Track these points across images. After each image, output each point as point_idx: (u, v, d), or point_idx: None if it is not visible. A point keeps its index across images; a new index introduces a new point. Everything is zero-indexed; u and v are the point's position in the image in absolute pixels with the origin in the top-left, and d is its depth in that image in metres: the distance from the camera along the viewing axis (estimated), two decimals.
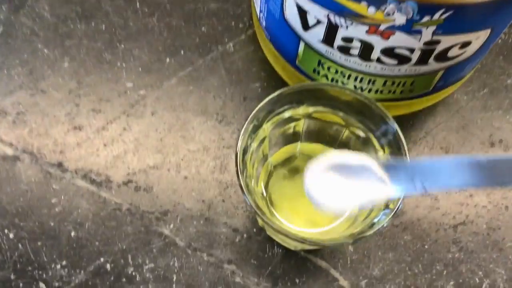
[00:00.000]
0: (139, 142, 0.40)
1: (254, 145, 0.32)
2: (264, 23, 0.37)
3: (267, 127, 0.32)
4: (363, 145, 0.33)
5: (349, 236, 0.29)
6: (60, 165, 0.39)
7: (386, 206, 0.30)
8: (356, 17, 0.28)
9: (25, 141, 0.39)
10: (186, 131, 0.40)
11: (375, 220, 0.29)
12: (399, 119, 0.32)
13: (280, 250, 0.37)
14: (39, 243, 0.37)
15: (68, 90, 0.41)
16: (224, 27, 0.43)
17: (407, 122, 0.41)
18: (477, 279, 0.37)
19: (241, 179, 0.29)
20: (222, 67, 0.42)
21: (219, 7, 0.44)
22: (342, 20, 0.29)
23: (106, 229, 0.37)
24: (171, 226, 0.38)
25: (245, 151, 0.31)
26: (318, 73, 0.35)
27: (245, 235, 0.38)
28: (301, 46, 0.34)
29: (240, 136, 0.30)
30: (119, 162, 0.39)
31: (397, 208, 0.29)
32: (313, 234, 0.33)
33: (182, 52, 0.43)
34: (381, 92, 0.35)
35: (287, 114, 0.33)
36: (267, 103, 0.31)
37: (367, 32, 0.29)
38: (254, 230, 0.38)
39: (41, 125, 0.40)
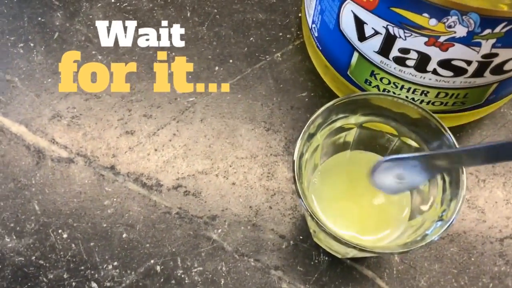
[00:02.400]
0: (188, 148, 0.40)
1: (308, 153, 0.32)
2: (316, 34, 0.37)
3: (321, 135, 0.33)
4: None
5: (402, 246, 0.29)
6: (112, 168, 0.40)
7: (440, 218, 0.30)
8: (416, 28, 0.29)
9: (79, 144, 0.40)
10: (234, 138, 0.41)
11: (428, 232, 0.29)
12: None
13: (326, 258, 0.38)
14: (91, 244, 0.37)
15: (121, 95, 0.42)
16: (272, 37, 0.44)
17: (454, 134, 0.41)
18: None
19: (298, 185, 0.30)
20: (270, 76, 0.43)
21: (267, 18, 0.45)
22: (401, 31, 0.29)
23: (156, 232, 0.38)
24: (219, 230, 0.38)
25: (300, 158, 0.31)
26: (370, 83, 0.35)
27: (291, 242, 0.38)
28: (355, 56, 0.34)
29: (298, 142, 0.30)
30: (169, 166, 0.40)
31: (452, 220, 0.29)
32: (363, 242, 0.34)
33: (231, 61, 0.43)
34: (433, 103, 0.35)
35: (338, 124, 0.33)
36: (324, 112, 0.31)
37: (425, 43, 0.29)
38: (301, 237, 0.38)
39: (94, 129, 0.41)
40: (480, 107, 0.36)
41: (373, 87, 0.36)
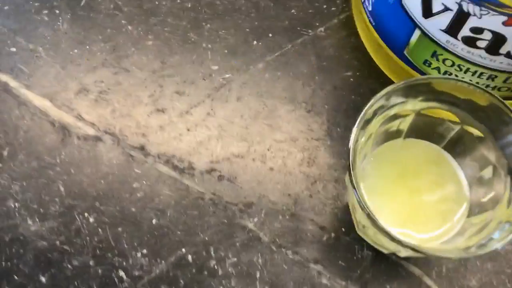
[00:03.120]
0: (223, 129, 0.38)
1: (362, 141, 0.29)
2: (370, 8, 0.34)
3: (376, 122, 0.30)
4: (479, 145, 0.30)
5: (465, 250, 0.26)
6: (142, 148, 0.37)
7: (508, 220, 0.27)
8: (496, 6, 0.25)
9: (107, 121, 0.37)
10: (272, 119, 0.38)
11: (494, 236, 0.26)
12: None
13: (370, 253, 0.35)
14: (119, 229, 0.35)
15: (152, 70, 0.39)
16: (315, 10, 0.41)
17: None
18: None
19: (352, 175, 0.27)
20: (312, 53, 0.40)
21: None
22: (477, 9, 0.26)
23: (188, 219, 0.35)
24: (255, 219, 0.35)
25: (355, 146, 0.28)
26: (429, 65, 0.32)
27: (333, 234, 0.35)
28: (416, 34, 0.31)
29: (354, 129, 0.27)
30: (203, 148, 0.37)
31: None
32: (417, 240, 0.31)
33: (270, 35, 0.40)
34: (499, 89, 0.32)
35: (394, 110, 0.30)
36: (383, 96, 0.28)
37: (504, 23, 0.26)
38: (343, 229, 0.35)
39: (124, 105, 0.38)
40: None
41: (432, 69, 0.32)
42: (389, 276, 0.34)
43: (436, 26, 0.29)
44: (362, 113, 0.27)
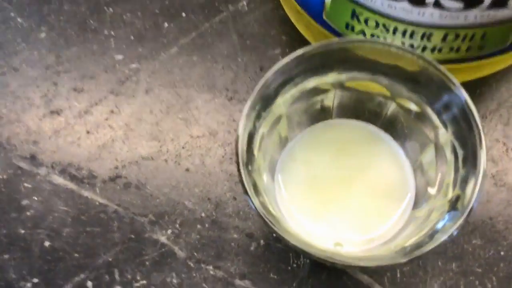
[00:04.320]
0: (130, 128, 0.32)
1: (265, 127, 0.23)
2: None
3: (283, 102, 0.24)
4: (417, 121, 0.24)
5: (399, 252, 0.21)
6: (33, 158, 0.31)
7: (452, 207, 0.21)
8: None
9: None
10: (188, 112, 0.32)
11: (438, 226, 0.20)
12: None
13: (308, 261, 0.29)
14: (6, 256, 0.29)
15: (45, 66, 0.33)
16: None
17: (474, 90, 0.31)
18: None
19: (243, 175, 0.21)
20: (233, 31, 0.34)
21: None
22: None
23: (88, 237, 0.30)
24: (169, 232, 0.30)
25: (251, 137, 0.22)
26: (353, 29, 0.26)
27: (262, 242, 0.29)
28: None
29: (243, 115, 0.22)
30: (105, 153, 0.31)
31: (468, 209, 0.20)
32: (352, 243, 0.25)
33: (183, 14, 0.34)
34: (439, 50, 0.26)
35: (310, 84, 0.24)
36: (280, 70, 0.22)
37: None
38: (274, 235, 0.29)
39: (11, 110, 0.32)
40: (505, 51, 0.27)
41: (357, 33, 0.26)
42: (333, 287, 0.29)
43: None
44: (255, 91, 0.22)
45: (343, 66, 0.24)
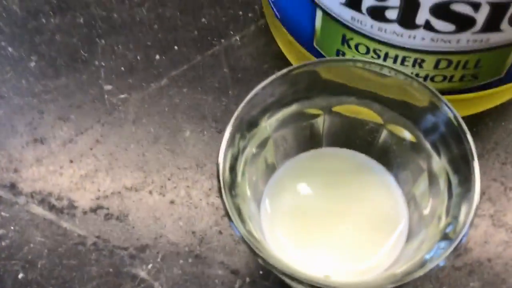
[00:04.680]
0: (115, 158, 0.31)
1: (250, 151, 0.22)
2: None
3: (269, 125, 0.23)
4: (410, 150, 0.23)
5: (389, 278, 0.19)
6: (13, 186, 0.30)
7: (444, 237, 0.20)
8: None
9: None
10: (175, 143, 0.31)
11: (427, 256, 0.19)
12: None
13: None
14: None
15: (32, 94, 0.33)
16: (229, 17, 0.35)
17: (470, 129, 0.30)
18: None
19: (225, 198, 0.20)
20: (225, 65, 0.33)
21: None
22: None
23: (64, 270, 0.28)
24: (149, 266, 0.28)
25: (234, 160, 0.21)
26: (344, 55, 0.26)
27: (247, 279, 0.28)
28: (318, 16, 0.24)
29: (225, 137, 0.21)
30: (88, 183, 0.30)
31: (460, 240, 0.19)
32: (341, 276, 0.23)
33: (175, 47, 0.34)
34: (433, 79, 0.25)
35: (296, 107, 0.23)
36: (262, 91, 0.21)
37: None
38: (261, 272, 0.28)
39: None
40: (501, 83, 0.26)
41: None
42: None
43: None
44: (237, 112, 0.21)
45: (329, 90, 0.23)
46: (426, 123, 0.22)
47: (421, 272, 0.18)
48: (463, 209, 0.19)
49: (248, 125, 0.22)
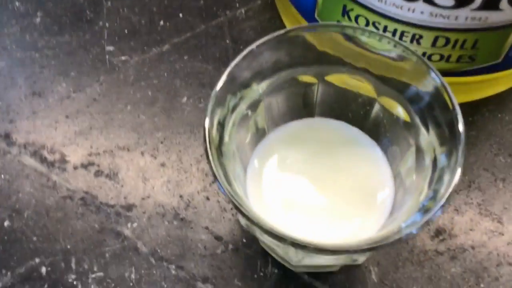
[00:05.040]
0: (111, 117, 0.31)
1: (240, 111, 0.23)
2: None
3: (260, 88, 0.23)
4: (400, 125, 0.23)
5: (366, 241, 0.19)
6: (7, 136, 0.30)
7: (422, 208, 0.20)
8: None
9: None
10: (172, 108, 0.31)
11: (403, 224, 0.19)
12: None
13: (276, 271, 0.27)
14: None
15: (35, 49, 0.33)
16: None
17: (466, 118, 0.30)
18: None
19: (211, 158, 0.20)
20: (228, 36, 0.33)
21: None
22: None
23: (49, 222, 0.28)
24: (134, 225, 0.28)
25: (223, 119, 0.21)
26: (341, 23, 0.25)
27: (230, 246, 0.28)
28: None
29: (214, 93, 0.21)
30: (81, 139, 0.30)
31: (436, 211, 0.19)
32: (327, 240, 0.23)
33: (180, 15, 0.34)
34: (430, 57, 0.25)
35: (288, 75, 0.23)
36: (254, 52, 0.21)
37: None
38: (244, 240, 0.28)
39: None
40: (498, 69, 0.26)
41: None
42: None
43: None
44: (228, 69, 0.21)
45: (324, 60, 0.23)
46: (415, 94, 0.22)
47: (395, 237, 0.18)
48: (445, 181, 0.19)
49: (240, 85, 0.22)
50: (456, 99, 0.19)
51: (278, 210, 0.24)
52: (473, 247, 0.28)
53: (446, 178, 0.19)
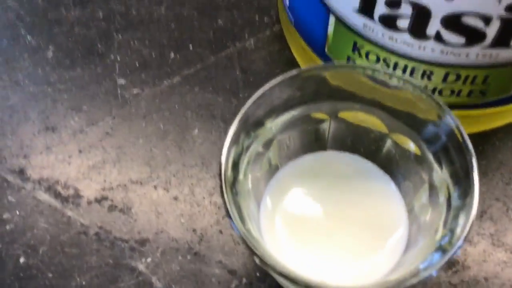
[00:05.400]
0: (123, 151, 0.31)
1: (253, 151, 0.23)
2: (287, 2, 0.28)
3: (274, 126, 0.23)
4: (412, 160, 0.23)
5: (382, 285, 0.19)
6: (21, 172, 0.31)
7: (439, 248, 0.20)
8: None
9: None
10: (184, 140, 0.32)
11: (421, 265, 0.19)
12: None
13: None
14: None
15: (47, 83, 0.33)
16: (245, 21, 0.35)
17: (476, 147, 0.31)
18: None
19: (226, 195, 0.20)
20: (238, 67, 0.34)
21: None
22: None
23: (65, 258, 0.28)
24: (149, 260, 0.28)
25: (237, 158, 0.22)
26: (354, 63, 0.26)
27: (244, 280, 0.28)
28: (331, 22, 0.25)
29: (229, 134, 0.21)
30: (94, 173, 0.31)
31: (454, 252, 0.19)
32: (341, 279, 0.23)
33: (190, 47, 0.35)
34: (441, 93, 0.25)
35: (301, 112, 0.23)
36: (267, 93, 0.22)
37: None
38: (257, 274, 0.28)
39: (7, 123, 0.32)
40: (509, 102, 0.26)
41: None
42: None
43: (348, 5, 0.23)
44: (243, 110, 0.21)
45: (336, 96, 0.24)
46: (429, 134, 0.22)
47: (413, 280, 0.18)
48: (460, 222, 0.19)
49: (253, 125, 0.22)
50: (470, 144, 0.19)
51: (291, 249, 0.24)
52: (486, 279, 0.28)
53: (461, 218, 0.19)
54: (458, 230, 0.19)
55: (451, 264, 0.28)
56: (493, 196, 0.30)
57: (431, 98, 0.21)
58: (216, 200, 0.30)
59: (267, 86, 0.22)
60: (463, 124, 0.27)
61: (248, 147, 0.23)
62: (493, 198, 0.30)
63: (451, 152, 0.21)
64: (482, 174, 0.30)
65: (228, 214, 0.21)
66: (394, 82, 0.22)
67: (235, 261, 0.28)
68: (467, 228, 0.18)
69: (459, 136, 0.20)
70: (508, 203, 0.30)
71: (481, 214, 0.29)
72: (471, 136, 0.30)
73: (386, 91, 0.22)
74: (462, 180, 0.20)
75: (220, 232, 0.29)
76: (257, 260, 0.23)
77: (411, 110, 0.22)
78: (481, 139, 0.31)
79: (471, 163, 0.19)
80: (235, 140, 0.22)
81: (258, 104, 0.22)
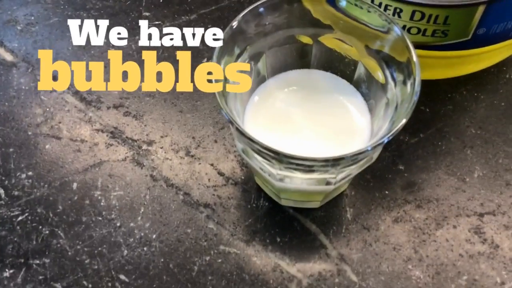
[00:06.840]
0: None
1: (243, 60, 0.28)
2: None
3: (263, 42, 0.28)
4: (376, 82, 0.28)
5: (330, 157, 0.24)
6: (54, 78, 0.36)
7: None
8: None
9: (26, 50, 0.37)
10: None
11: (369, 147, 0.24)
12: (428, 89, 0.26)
13: (267, 204, 0.32)
14: (10, 149, 0.34)
15: (83, 9, 0.39)
16: None
17: (444, 94, 0.35)
18: (498, 278, 0.30)
19: (217, 96, 0.25)
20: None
21: None
22: None
23: (82, 148, 0.34)
24: (152, 157, 0.34)
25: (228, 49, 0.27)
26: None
27: (230, 181, 0.33)
28: None
29: (221, 42, 0.26)
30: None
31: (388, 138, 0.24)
32: None
33: None
34: (409, 30, 0.30)
35: (288, 32, 0.28)
36: (250, 14, 0.27)
37: None
38: (242, 177, 0.33)
39: (47, 38, 0.38)
40: (469, 46, 0.30)
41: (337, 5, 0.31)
42: (282, 229, 0.32)
43: None
44: (235, 21, 0.26)
45: (318, 24, 0.28)
46: (387, 56, 0.26)
47: (353, 154, 0.23)
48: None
49: (245, 39, 0.27)
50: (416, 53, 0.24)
51: (267, 137, 0.28)
52: (437, 199, 0.32)
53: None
54: (400, 113, 0.24)
55: (408, 185, 0.33)
56: (453, 135, 0.34)
57: (383, 14, 0.25)
58: (215, 116, 0.35)
59: (255, 4, 0.26)
60: (430, 67, 0.32)
61: (238, 57, 0.27)
62: (454, 137, 0.34)
63: (396, 58, 0.25)
64: (447, 117, 0.35)
65: (220, 107, 0.25)
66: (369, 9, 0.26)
67: (225, 166, 0.33)
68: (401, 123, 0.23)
69: (403, 39, 0.24)
70: (466, 142, 0.34)
71: (441, 148, 0.34)
72: (442, 83, 0.35)
73: (359, 25, 0.27)
74: (406, 77, 0.25)
75: (215, 141, 0.34)
76: (239, 145, 0.28)
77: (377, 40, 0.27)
78: (451, 88, 0.35)
79: (412, 56, 0.24)
80: (225, 49, 0.26)
81: (250, 20, 0.27)
